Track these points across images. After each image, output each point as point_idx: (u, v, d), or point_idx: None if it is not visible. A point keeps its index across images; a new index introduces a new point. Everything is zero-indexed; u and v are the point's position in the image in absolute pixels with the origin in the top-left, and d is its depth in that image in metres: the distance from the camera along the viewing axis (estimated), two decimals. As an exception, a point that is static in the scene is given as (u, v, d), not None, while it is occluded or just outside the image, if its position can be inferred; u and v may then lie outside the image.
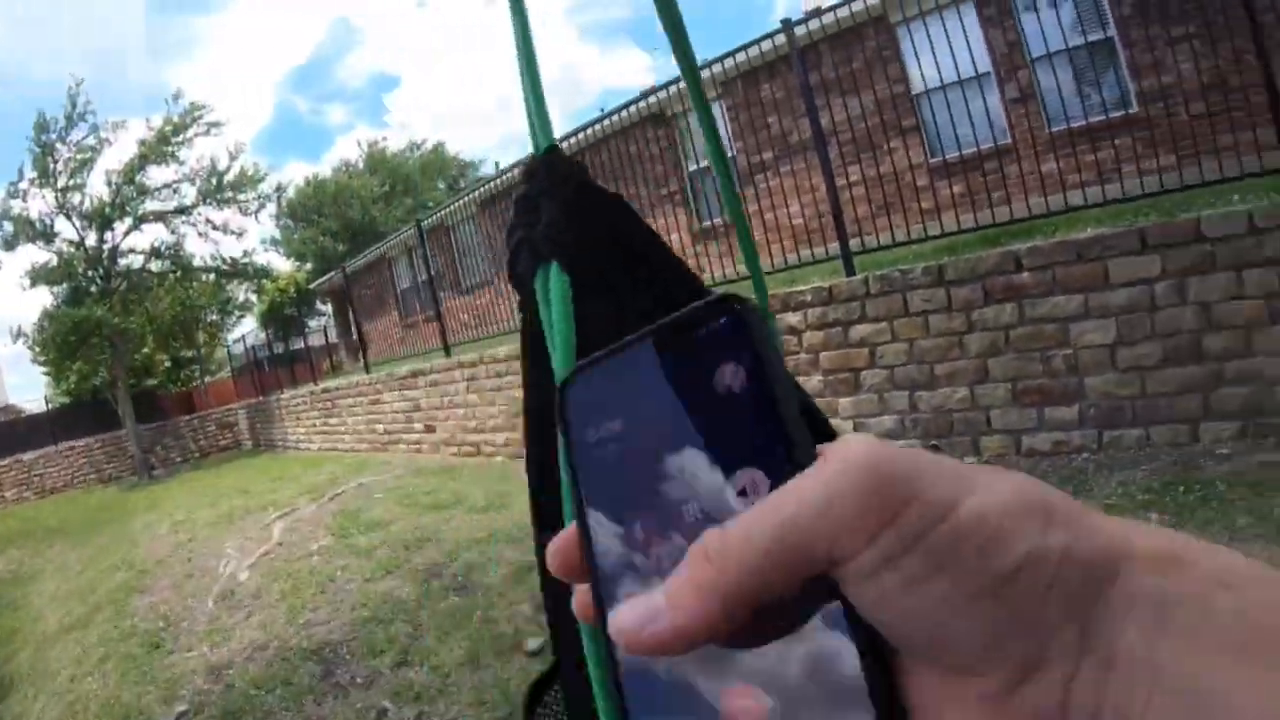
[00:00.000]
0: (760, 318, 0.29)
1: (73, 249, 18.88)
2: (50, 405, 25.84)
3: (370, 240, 23.26)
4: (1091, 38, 7.65)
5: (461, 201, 10.88)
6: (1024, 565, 0.23)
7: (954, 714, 0.24)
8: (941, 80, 5.59)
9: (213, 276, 21.49)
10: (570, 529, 0.31)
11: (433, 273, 11.44)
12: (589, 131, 8.35)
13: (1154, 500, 3.65)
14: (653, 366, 0.30)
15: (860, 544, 0.24)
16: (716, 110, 9.13)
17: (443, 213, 11.48)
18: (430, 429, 10.05)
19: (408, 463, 9.78)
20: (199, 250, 35.57)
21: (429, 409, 10.04)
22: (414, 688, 3.45)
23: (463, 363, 9.08)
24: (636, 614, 0.26)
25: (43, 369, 23.32)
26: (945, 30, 5.56)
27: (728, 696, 0.26)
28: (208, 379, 28.49)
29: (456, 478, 7.96)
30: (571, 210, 0.48)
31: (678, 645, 0.26)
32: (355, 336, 15.37)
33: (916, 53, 6.89)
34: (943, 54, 5.57)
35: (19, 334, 20.09)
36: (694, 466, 0.27)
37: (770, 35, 6.31)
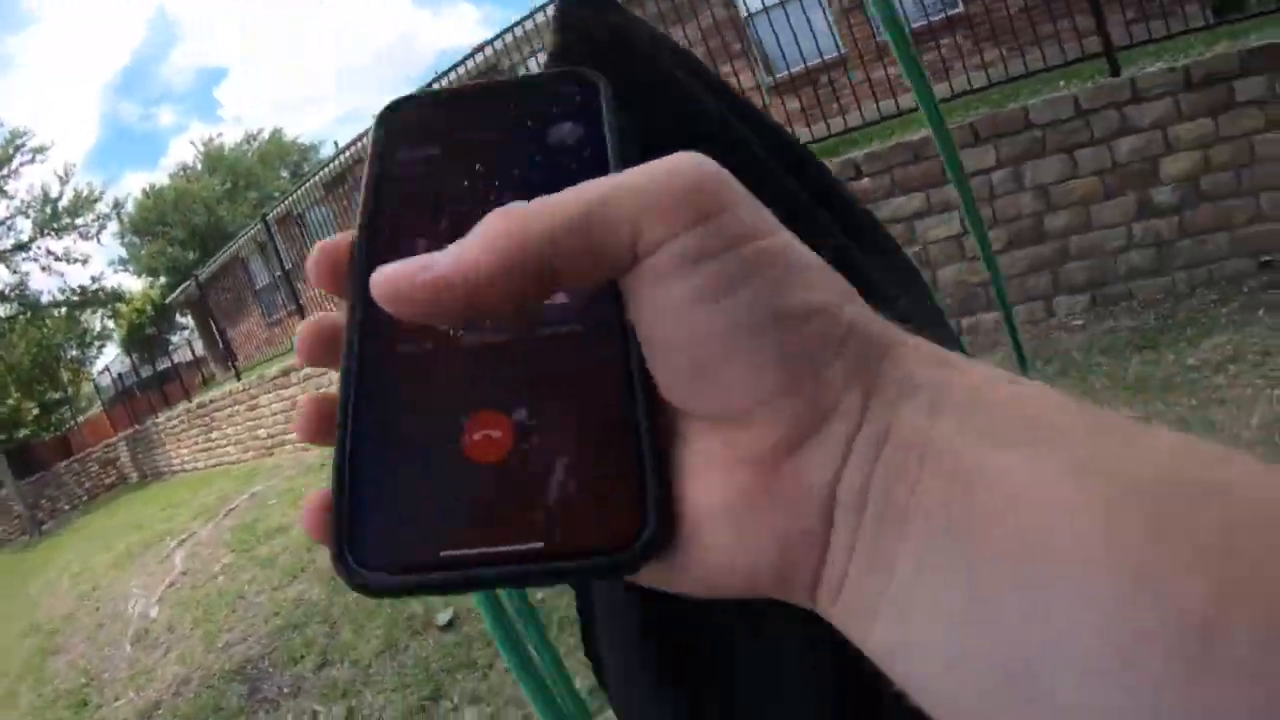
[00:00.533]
0: (612, 95, 0.28)
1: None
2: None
3: (220, 243, 22.10)
4: None
5: (306, 187, 10.49)
6: (819, 313, 0.23)
7: (718, 478, 0.23)
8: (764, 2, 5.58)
9: (64, 310, 20.09)
10: (344, 237, 0.28)
11: (287, 267, 11.03)
12: None
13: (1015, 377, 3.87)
14: (490, 112, 0.29)
15: (666, 234, 0.22)
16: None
17: (288, 201, 11.04)
18: (313, 425, 9.73)
19: (296, 463, 9.54)
20: (45, 285, 33.09)
21: (307, 405, 9.71)
22: (339, 686, 3.47)
23: (333, 351, 8.82)
24: (408, 265, 0.23)
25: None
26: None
27: (473, 424, 0.24)
28: (80, 418, 26.79)
29: (349, 471, 7.78)
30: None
31: (453, 295, 0.22)
32: (221, 345, 14.73)
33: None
34: None
35: None
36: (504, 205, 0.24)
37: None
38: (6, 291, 18.79)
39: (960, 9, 7.55)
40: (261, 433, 11.12)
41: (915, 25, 5.34)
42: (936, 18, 6.82)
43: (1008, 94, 4.96)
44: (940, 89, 4.97)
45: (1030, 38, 4.92)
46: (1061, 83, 4.76)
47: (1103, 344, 3.88)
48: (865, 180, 4.69)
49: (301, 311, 10.15)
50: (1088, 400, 0.23)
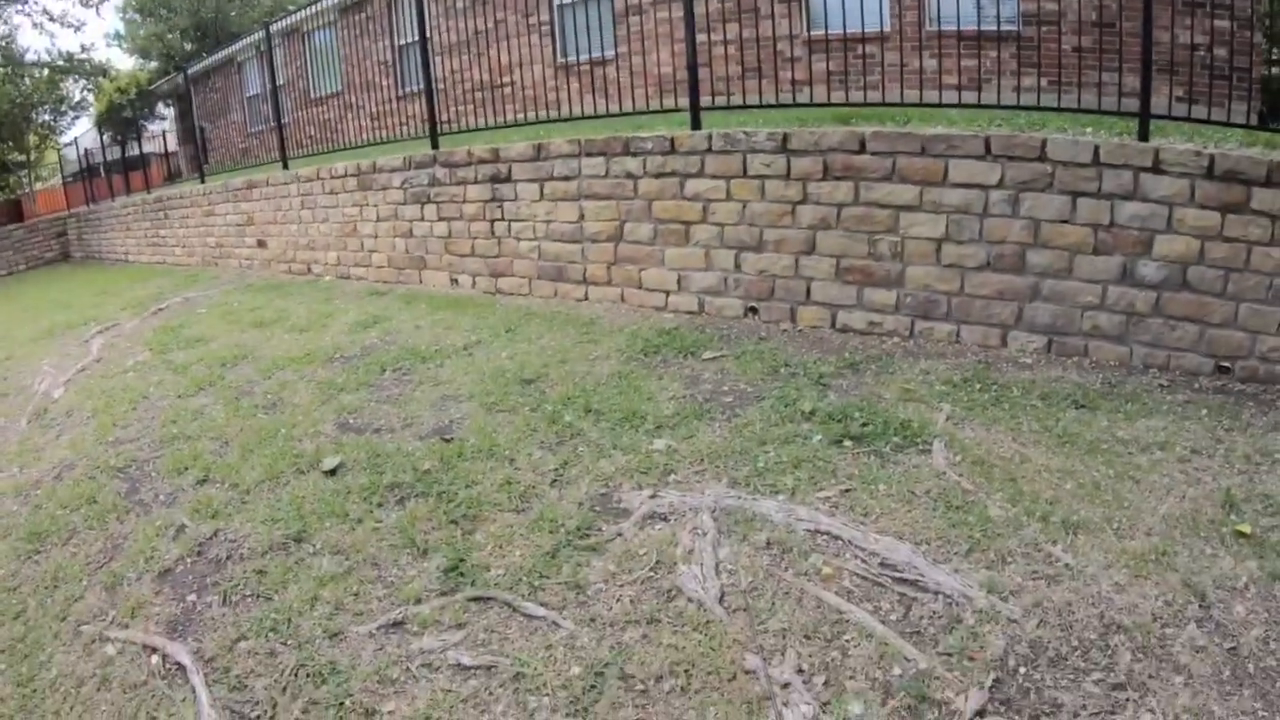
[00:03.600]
0: None
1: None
2: None
3: (221, 41, 21.16)
4: None
5: (320, 7, 10.02)
6: None
7: None
8: None
9: (46, 72, 19.13)
10: None
11: (279, 81, 10.60)
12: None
13: (950, 392, 3.87)
14: None
15: None
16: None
17: (299, 17, 10.54)
18: (262, 244, 9.60)
19: (238, 278, 9.37)
20: (34, 44, 31.38)
21: (262, 223, 9.56)
22: (213, 504, 3.44)
23: (299, 176, 8.62)
24: None
25: None
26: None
27: None
28: (38, 185, 25.86)
29: (283, 295, 7.69)
30: None
31: None
32: (197, 145, 14.23)
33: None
34: None
35: None
36: None
37: None
38: (-9, 41, 17.72)
39: (1016, 28, 7.39)
40: (211, 240, 10.88)
41: (966, 28, 5.19)
42: (990, 28, 6.64)
43: (1034, 121, 4.90)
44: (969, 96, 4.89)
45: (1074, 78, 4.84)
46: (1089, 129, 4.71)
47: (1044, 389, 3.90)
48: (867, 156, 4.62)
49: (282, 130, 9.81)
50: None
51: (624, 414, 3.78)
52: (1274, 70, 8.24)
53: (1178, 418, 3.63)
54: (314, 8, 9.26)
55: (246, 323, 6.69)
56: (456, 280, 6.62)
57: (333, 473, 3.57)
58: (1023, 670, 2.17)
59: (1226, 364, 4.19)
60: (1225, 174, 4.07)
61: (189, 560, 3.13)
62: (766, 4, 6.35)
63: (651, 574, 2.65)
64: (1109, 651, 2.21)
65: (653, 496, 3.08)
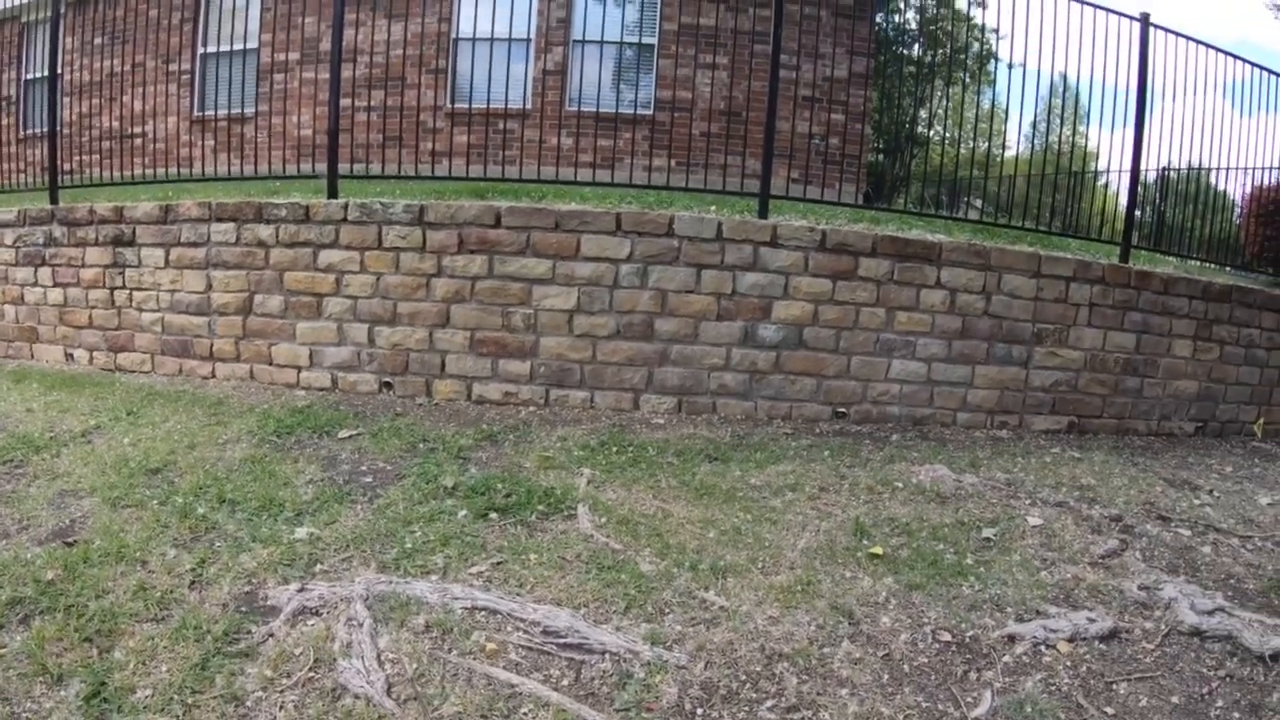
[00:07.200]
0: None
1: None
2: None
3: None
4: (633, 39, 8.20)
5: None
6: None
7: None
8: (488, 33, 5.43)
9: None
10: None
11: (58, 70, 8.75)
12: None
13: (589, 456, 3.95)
14: None
15: None
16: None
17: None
18: None
19: None
20: None
21: None
22: None
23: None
24: None
25: None
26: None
27: None
28: None
29: None
30: None
31: None
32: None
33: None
34: (492, 6, 5.43)
35: None
36: None
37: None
38: None
39: (650, 112, 7.99)
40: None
41: (604, 110, 5.52)
42: (626, 110, 7.10)
43: (663, 199, 5.27)
44: (603, 174, 5.16)
45: (702, 160, 5.27)
46: (713, 208, 5.15)
47: (679, 446, 4.13)
48: (502, 230, 4.66)
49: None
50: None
51: (261, 502, 3.46)
52: (879, 157, 9.70)
53: (804, 461, 4.01)
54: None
55: None
56: (72, 355, 5.82)
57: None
58: (699, 711, 2.22)
59: (843, 409, 4.76)
60: (836, 246, 4.69)
61: None
62: (412, 74, 6.34)
63: (312, 674, 2.40)
64: (776, 679, 2.33)
65: (301, 590, 2.83)
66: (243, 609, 2.85)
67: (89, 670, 2.59)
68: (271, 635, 2.69)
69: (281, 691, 2.46)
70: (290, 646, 2.63)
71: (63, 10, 6.08)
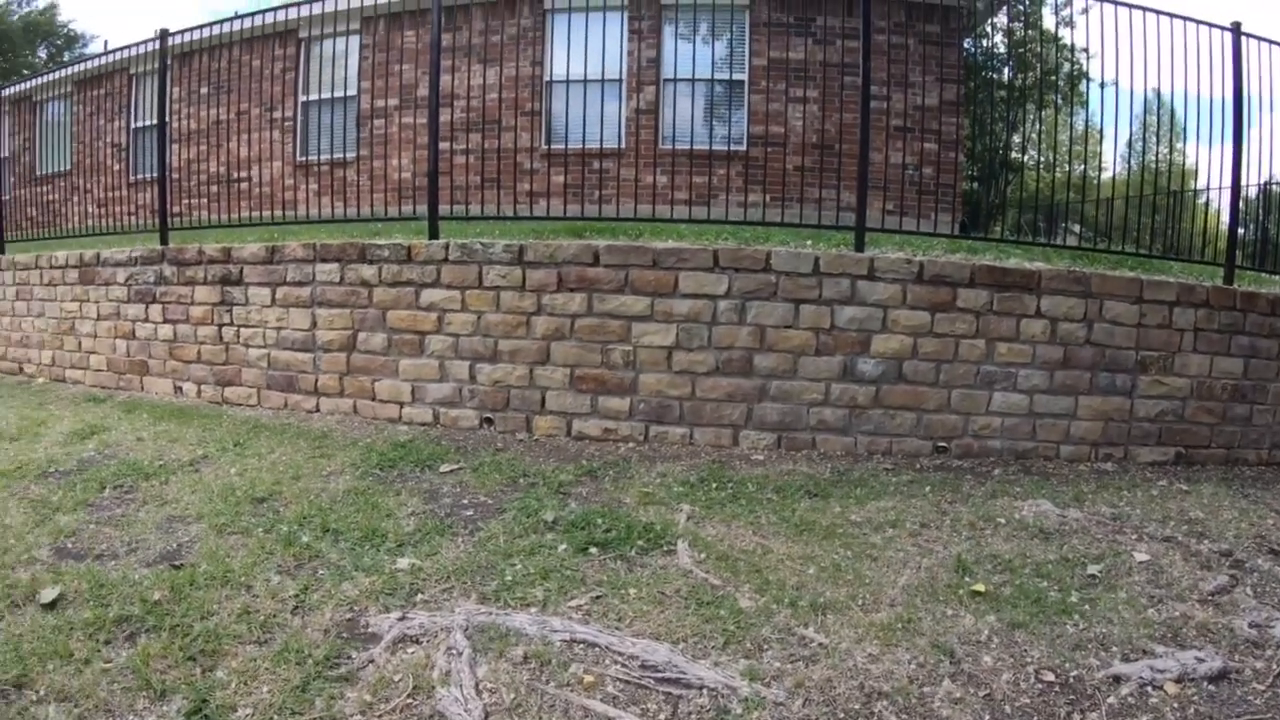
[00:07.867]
0: None
1: None
2: None
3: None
4: (723, 75, 8.27)
5: (57, 76, 9.11)
6: None
7: None
8: (580, 74, 5.52)
9: None
10: None
11: (2, 153, 9.54)
12: (211, 31, 7.33)
13: (688, 492, 3.96)
14: None
15: None
16: (352, 44, 8.53)
17: (32, 84, 9.57)
18: (-34, 340, 8.43)
19: None
20: None
21: (-33, 315, 8.39)
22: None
23: (16, 263, 7.68)
24: None
25: None
26: (587, 28, 5.55)
27: None
28: None
29: (-12, 399, 6.74)
30: None
31: None
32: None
33: (568, 41, 6.84)
34: (583, 49, 5.54)
35: None
36: None
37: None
38: None
39: (743, 148, 7.98)
40: None
41: (698, 147, 5.53)
42: (719, 146, 7.10)
43: (758, 234, 5.22)
44: (699, 211, 5.15)
45: (796, 194, 5.23)
46: (809, 242, 5.10)
47: (778, 482, 4.10)
48: (600, 268, 4.74)
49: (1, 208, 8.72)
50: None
51: (364, 533, 3.56)
52: (974, 185, 9.48)
53: (905, 496, 3.94)
54: (49, 76, 8.43)
55: (-55, 432, 5.74)
56: (180, 388, 6.07)
57: (52, 605, 3.06)
58: (798, 747, 2.17)
59: (944, 444, 4.63)
60: (933, 277, 4.60)
61: None
62: (508, 116, 6.45)
63: (410, 700, 2.45)
64: (875, 717, 2.29)
65: (401, 619, 2.89)
66: (344, 635, 2.90)
67: (191, 688, 2.65)
68: (372, 661, 2.74)
69: (380, 716, 2.50)
70: (390, 673, 2.67)
71: (169, 61, 6.40)
